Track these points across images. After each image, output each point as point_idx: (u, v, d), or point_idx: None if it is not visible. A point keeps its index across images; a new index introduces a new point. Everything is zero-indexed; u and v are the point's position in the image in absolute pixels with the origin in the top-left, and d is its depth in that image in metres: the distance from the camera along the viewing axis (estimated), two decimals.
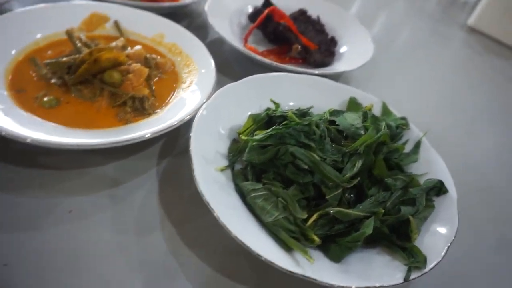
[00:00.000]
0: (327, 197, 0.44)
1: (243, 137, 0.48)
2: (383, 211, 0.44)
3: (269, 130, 0.46)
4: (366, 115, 0.54)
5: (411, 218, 0.42)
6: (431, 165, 0.53)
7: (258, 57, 0.67)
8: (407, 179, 0.50)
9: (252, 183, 0.45)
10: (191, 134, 0.46)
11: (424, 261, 0.40)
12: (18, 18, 0.57)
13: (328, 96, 0.61)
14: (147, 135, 0.46)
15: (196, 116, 0.48)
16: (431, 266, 0.40)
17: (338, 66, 0.75)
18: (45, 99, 0.49)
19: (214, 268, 0.42)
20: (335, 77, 0.73)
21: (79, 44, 0.56)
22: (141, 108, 0.52)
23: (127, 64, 0.54)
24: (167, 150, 0.53)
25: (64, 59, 0.52)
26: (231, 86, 0.55)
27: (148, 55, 0.59)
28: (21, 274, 0.37)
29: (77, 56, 0.52)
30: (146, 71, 0.55)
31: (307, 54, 0.74)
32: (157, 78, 0.59)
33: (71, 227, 0.42)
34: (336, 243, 0.41)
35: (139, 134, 0.46)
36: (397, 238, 0.43)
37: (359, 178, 0.46)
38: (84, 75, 0.51)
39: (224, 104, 0.52)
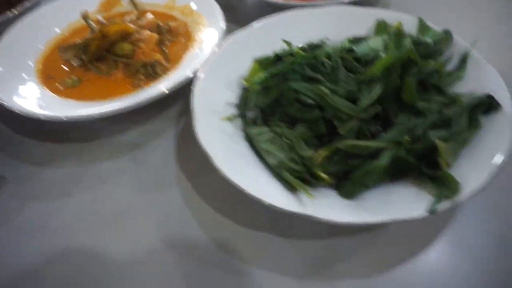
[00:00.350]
0: (340, 132, 0.39)
1: (245, 82, 0.45)
2: (409, 139, 0.37)
3: (270, 70, 0.42)
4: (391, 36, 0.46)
5: (437, 141, 0.35)
6: (482, 81, 0.43)
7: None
8: (446, 100, 0.42)
9: (259, 127, 0.43)
10: (194, 87, 0.45)
11: (456, 190, 0.33)
12: (45, 13, 0.63)
13: (358, 27, 0.53)
14: (152, 95, 0.47)
15: (201, 68, 0.47)
16: (465, 195, 0.33)
17: None
18: (69, 80, 0.54)
19: (224, 214, 0.42)
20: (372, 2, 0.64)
21: (94, 25, 0.58)
22: (153, 73, 0.53)
23: (137, 34, 0.55)
24: (184, 110, 0.54)
25: (78, 41, 0.55)
26: (240, 34, 0.52)
27: (159, 22, 0.60)
28: (58, 235, 0.42)
29: (89, 36, 0.55)
30: (155, 36, 0.55)
31: None
32: (170, 42, 0.59)
33: (99, 190, 0.46)
34: (349, 179, 0.37)
35: (145, 95, 0.47)
36: (427, 167, 0.36)
37: (379, 107, 0.39)
38: (97, 52, 0.54)
39: (233, 54, 0.50)
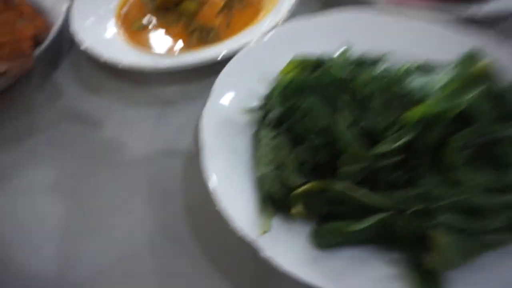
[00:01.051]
0: (340, 172, 0.34)
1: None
2: (417, 209, 0.30)
3: (290, 76, 0.38)
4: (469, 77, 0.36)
5: (433, 234, 0.28)
6: None
7: None
8: (498, 181, 0.32)
9: (268, 131, 0.40)
10: (225, 69, 0.43)
11: None
12: None
13: (447, 51, 0.43)
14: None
15: (241, 50, 0.45)
16: None
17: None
18: (135, 23, 0.57)
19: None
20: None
21: None
22: (205, 38, 0.53)
23: None
24: None
25: None
26: (300, 22, 0.47)
27: None
28: (87, 160, 0.48)
29: None
30: (219, 4, 0.54)
31: None
32: (238, 10, 0.57)
33: (119, 129, 0.50)
34: (328, 224, 0.32)
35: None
36: (419, 255, 0.30)
37: (401, 156, 0.33)
38: (166, 3, 0.55)
39: (279, 44, 0.46)
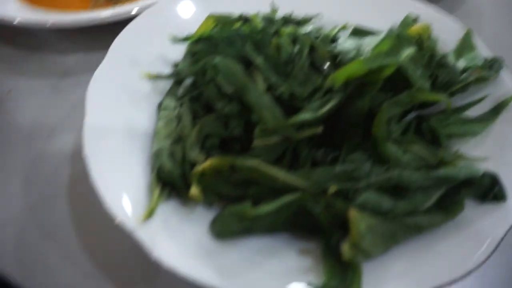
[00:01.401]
0: (253, 145, 0.27)
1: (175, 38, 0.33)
2: (337, 189, 0.25)
3: (203, 32, 0.31)
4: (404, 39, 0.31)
5: (352, 212, 0.22)
6: (507, 149, 0.28)
7: None
8: (431, 158, 0.27)
9: (171, 99, 0.33)
10: (127, 27, 0.36)
11: None
12: None
13: (382, 18, 0.38)
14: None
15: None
16: None
17: None
18: None
19: None
20: None
21: None
22: None
23: None
24: None
25: None
26: None
27: None
28: None
29: None
30: None
31: None
32: None
33: (4, 103, 0.41)
34: (230, 208, 0.26)
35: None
36: (337, 242, 0.24)
37: (321, 128, 0.27)
38: None
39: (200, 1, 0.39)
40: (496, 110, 0.30)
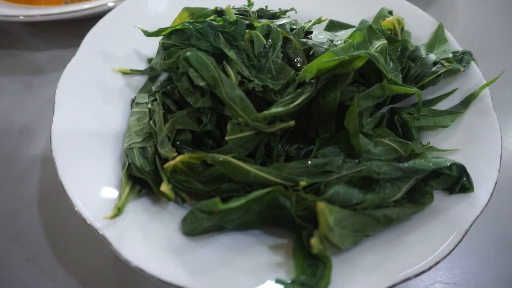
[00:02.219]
0: (226, 138, 0.27)
1: (146, 31, 0.33)
2: (305, 184, 0.25)
3: (175, 25, 0.30)
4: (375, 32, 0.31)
5: (320, 204, 0.22)
6: (476, 140, 0.28)
7: None
8: (402, 149, 0.28)
9: (145, 94, 0.32)
10: (101, 21, 0.35)
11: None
12: None
13: (359, 12, 0.38)
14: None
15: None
16: None
17: None
18: None
19: None
20: None
21: None
22: None
23: None
24: None
25: None
26: None
27: None
28: None
29: None
30: None
31: None
32: None
33: None
34: (201, 204, 0.25)
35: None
36: (308, 236, 0.24)
37: (292, 122, 0.27)
38: None
39: None
40: (466, 103, 0.30)
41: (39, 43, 0.45)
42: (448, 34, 0.34)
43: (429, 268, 0.22)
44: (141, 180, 0.27)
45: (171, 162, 0.26)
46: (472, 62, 0.32)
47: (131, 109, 0.32)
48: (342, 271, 0.23)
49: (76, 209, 0.24)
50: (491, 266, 0.30)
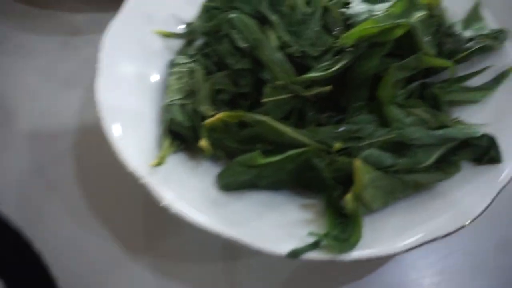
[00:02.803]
0: (263, 100, 0.28)
1: None
2: (339, 146, 0.26)
3: None
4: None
5: (357, 162, 0.23)
6: (505, 117, 0.29)
7: None
8: (432, 121, 0.28)
9: (184, 56, 0.33)
10: None
11: (349, 245, 0.22)
12: None
13: None
14: None
15: None
16: (353, 256, 0.22)
17: None
18: None
19: None
20: None
21: None
22: None
23: None
24: None
25: None
26: None
27: None
28: None
29: None
30: None
31: None
32: None
33: (13, 59, 0.41)
34: (238, 159, 0.27)
35: None
36: (339, 196, 0.25)
37: (329, 87, 0.27)
38: None
39: None
40: (497, 80, 0.31)
41: (77, 5, 0.46)
42: (485, 11, 0.34)
43: (455, 230, 0.23)
44: (180, 135, 0.28)
45: (210, 120, 0.27)
46: (508, 41, 0.32)
47: (170, 69, 0.33)
48: (371, 228, 0.24)
49: (119, 156, 0.26)
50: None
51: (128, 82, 0.31)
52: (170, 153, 0.28)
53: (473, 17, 0.34)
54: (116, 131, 0.27)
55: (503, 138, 0.27)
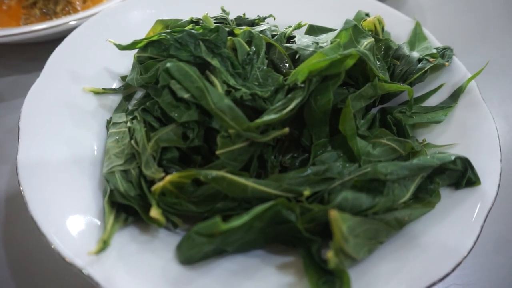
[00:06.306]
0: (217, 153, 0.25)
1: (119, 45, 0.30)
2: (308, 193, 0.23)
3: (152, 36, 0.28)
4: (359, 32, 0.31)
5: (333, 213, 0.20)
6: (471, 132, 0.28)
7: None
8: (401, 148, 0.27)
9: (121, 114, 0.29)
10: (66, 39, 0.32)
11: None
12: None
13: (336, 16, 0.38)
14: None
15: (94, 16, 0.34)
16: None
17: None
18: None
19: None
20: None
21: None
22: (52, 11, 0.41)
23: None
24: None
25: None
26: None
27: None
28: None
29: None
30: None
31: None
32: None
33: None
34: (198, 227, 0.23)
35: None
36: (318, 250, 0.22)
37: (287, 129, 0.25)
38: None
39: (149, 6, 0.36)
40: (454, 96, 0.30)
41: None
42: (426, 31, 0.34)
43: (452, 270, 0.21)
44: (126, 207, 0.24)
45: (159, 184, 0.23)
46: (454, 57, 0.32)
47: (107, 130, 0.29)
48: (360, 284, 0.21)
49: (53, 246, 0.21)
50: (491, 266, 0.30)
51: (58, 155, 0.26)
52: (116, 231, 0.23)
53: (416, 37, 0.34)
54: (45, 217, 0.22)
55: (474, 156, 0.26)
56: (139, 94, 0.33)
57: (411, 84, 0.31)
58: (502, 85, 0.43)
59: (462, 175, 0.24)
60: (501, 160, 0.25)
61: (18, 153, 0.25)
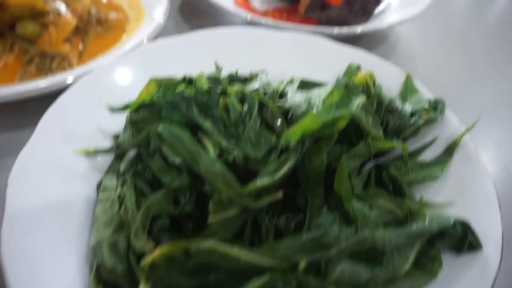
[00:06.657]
0: (209, 221, 0.24)
1: (113, 107, 0.31)
2: (304, 265, 0.22)
3: (144, 97, 0.29)
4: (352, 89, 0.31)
5: None
6: (469, 191, 0.27)
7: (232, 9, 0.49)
8: (398, 210, 0.26)
9: (112, 176, 0.29)
10: (58, 100, 0.32)
11: None
12: None
13: (326, 68, 0.38)
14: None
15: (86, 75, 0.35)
16: None
17: (367, 24, 0.50)
18: None
19: None
20: (355, 39, 0.49)
21: None
22: (48, 68, 0.41)
23: (52, 15, 0.44)
24: None
25: None
26: (162, 42, 0.39)
27: (93, 9, 0.48)
28: None
29: None
30: (71, 25, 0.44)
31: (321, 11, 0.51)
32: (96, 35, 0.47)
33: None
34: None
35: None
36: None
37: (280, 193, 0.24)
38: None
39: (141, 64, 0.37)
40: (449, 151, 0.30)
41: None
42: (417, 83, 0.34)
43: None
44: (112, 282, 0.23)
45: (149, 258, 0.22)
46: (447, 109, 0.32)
47: (97, 194, 0.29)
48: None
49: None
50: None
51: (44, 221, 0.25)
52: None
53: (408, 90, 0.34)
54: None
55: (473, 217, 0.25)
56: (132, 152, 0.33)
57: (405, 139, 0.30)
58: (498, 130, 0.43)
59: (463, 239, 0.24)
60: (501, 221, 0.24)
61: (3, 224, 0.24)
